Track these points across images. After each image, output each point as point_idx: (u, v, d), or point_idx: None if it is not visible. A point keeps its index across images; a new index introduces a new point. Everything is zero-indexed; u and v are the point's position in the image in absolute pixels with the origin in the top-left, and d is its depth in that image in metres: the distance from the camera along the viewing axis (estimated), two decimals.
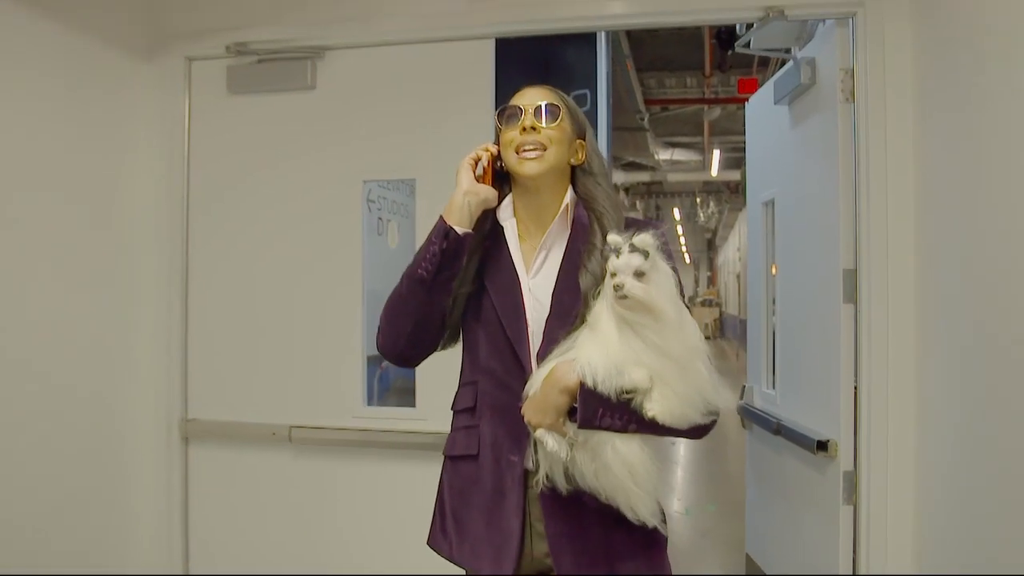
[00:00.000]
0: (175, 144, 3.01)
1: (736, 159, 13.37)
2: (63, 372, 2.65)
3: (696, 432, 1.49)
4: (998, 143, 2.02)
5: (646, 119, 10.21)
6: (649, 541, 1.57)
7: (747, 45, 2.97)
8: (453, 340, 1.74)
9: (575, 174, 1.70)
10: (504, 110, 1.67)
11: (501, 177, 1.69)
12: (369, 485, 2.87)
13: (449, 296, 1.63)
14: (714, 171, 14.15)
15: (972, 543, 2.17)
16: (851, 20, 2.61)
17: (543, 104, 1.63)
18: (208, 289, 3.01)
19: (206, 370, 3.01)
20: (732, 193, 17.31)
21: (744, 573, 3.85)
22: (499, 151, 1.67)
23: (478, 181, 1.63)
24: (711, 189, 18.31)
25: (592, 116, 3.68)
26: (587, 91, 3.90)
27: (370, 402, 2.95)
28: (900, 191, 2.54)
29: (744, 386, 3.80)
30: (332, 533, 2.91)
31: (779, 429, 3.14)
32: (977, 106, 2.14)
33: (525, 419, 1.52)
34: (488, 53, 2.78)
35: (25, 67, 2.48)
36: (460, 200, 1.60)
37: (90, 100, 2.77)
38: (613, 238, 1.46)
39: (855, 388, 2.62)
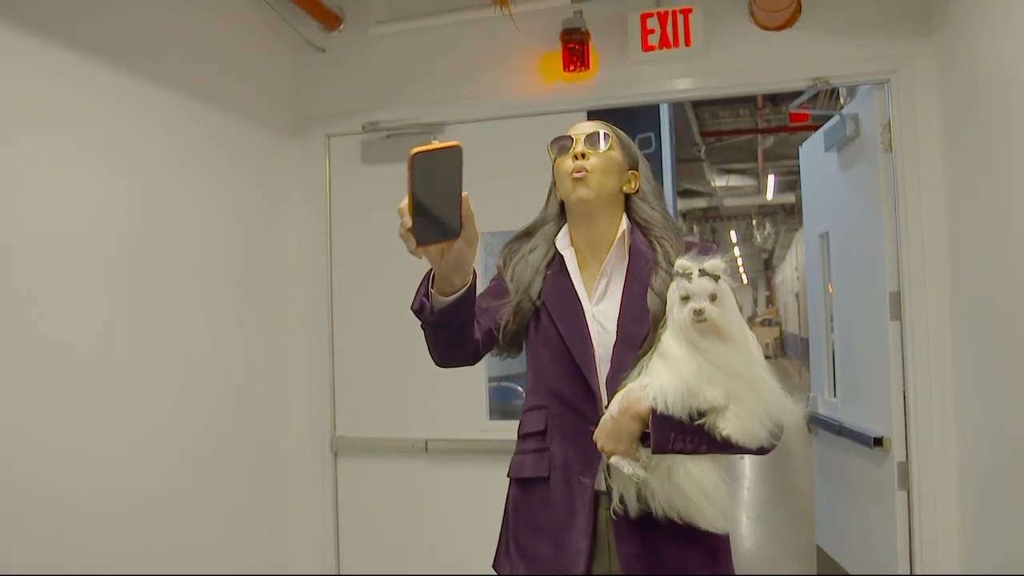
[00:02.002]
0: (319, 206, 3.58)
1: (790, 182, 13.37)
2: (236, 400, 3.13)
3: (761, 450, 1.46)
4: (1015, 181, 2.37)
5: (702, 150, 10.61)
6: (716, 548, 1.56)
7: (799, 105, 3.47)
8: (516, 352, 1.71)
9: (631, 202, 1.68)
10: (557, 140, 1.69)
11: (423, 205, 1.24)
12: (494, 488, 3.33)
13: (468, 331, 1.56)
14: (769, 195, 14.22)
15: (1010, 520, 2.50)
16: (887, 84, 3.03)
17: (595, 132, 1.65)
18: (350, 326, 3.56)
19: (351, 394, 3.55)
20: (787, 214, 17.36)
21: (815, 571, 4.16)
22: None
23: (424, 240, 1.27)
24: (766, 212, 18.23)
25: (657, 156, 4.11)
26: (651, 134, 4.36)
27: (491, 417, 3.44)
28: (934, 225, 2.94)
29: (808, 396, 4.16)
30: (463, 531, 3.33)
31: (841, 430, 3.50)
32: (995, 151, 2.50)
33: (598, 446, 1.48)
34: None
35: (200, 149, 2.96)
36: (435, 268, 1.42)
37: (249, 172, 3.28)
38: (683, 263, 1.45)
39: (904, 392, 2.99)
